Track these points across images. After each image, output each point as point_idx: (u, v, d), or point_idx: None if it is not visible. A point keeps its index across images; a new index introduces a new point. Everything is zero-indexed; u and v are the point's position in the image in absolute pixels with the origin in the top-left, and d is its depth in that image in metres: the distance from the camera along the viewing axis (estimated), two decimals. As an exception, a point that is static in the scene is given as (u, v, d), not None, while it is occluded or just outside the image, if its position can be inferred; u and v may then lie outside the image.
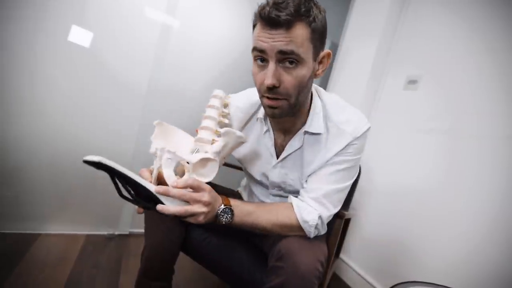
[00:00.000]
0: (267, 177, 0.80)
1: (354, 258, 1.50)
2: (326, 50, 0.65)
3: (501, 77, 1.05)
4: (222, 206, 0.61)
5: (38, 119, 1.20)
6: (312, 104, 0.72)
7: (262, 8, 0.56)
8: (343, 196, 0.72)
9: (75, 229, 1.36)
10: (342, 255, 1.54)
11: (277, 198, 0.86)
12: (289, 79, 0.59)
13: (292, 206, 0.68)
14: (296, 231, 0.68)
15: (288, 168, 0.76)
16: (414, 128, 1.31)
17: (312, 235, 0.68)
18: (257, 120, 0.78)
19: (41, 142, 1.22)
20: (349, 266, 1.49)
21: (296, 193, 0.79)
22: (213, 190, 0.60)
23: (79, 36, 1.20)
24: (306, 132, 0.72)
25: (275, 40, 0.55)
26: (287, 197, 0.82)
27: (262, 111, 0.76)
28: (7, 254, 1.10)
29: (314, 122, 0.70)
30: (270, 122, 0.77)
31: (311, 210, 0.67)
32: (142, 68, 1.33)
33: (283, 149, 0.76)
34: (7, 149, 1.17)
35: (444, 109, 1.21)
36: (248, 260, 0.77)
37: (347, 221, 1.16)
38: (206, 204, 0.57)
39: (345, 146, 0.69)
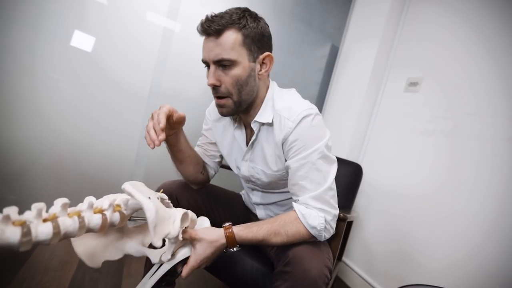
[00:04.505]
0: (240, 170, 0.86)
1: (356, 261, 1.50)
2: (267, 52, 0.72)
3: (502, 78, 1.05)
4: (230, 250, 0.66)
5: (40, 122, 1.20)
6: (266, 98, 0.77)
7: (199, 23, 0.67)
8: (333, 193, 0.71)
9: (77, 233, 1.36)
10: (344, 258, 1.53)
11: (259, 193, 0.90)
12: (227, 79, 0.68)
13: (298, 217, 0.67)
14: (308, 238, 0.68)
15: (254, 161, 0.81)
16: (416, 130, 1.31)
17: (323, 239, 0.69)
18: (230, 118, 0.84)
19: (43, 146, 1.22)
20: (352, 269, 1.49)
21: (266, 186, 0.84)
22: (209, 238, 0.63)
23: (81, 40, 1.21)
24: (260, 124, 0.76)
25: (209, 49, 0.67)
26: (262, 191, 0.88)
27: None
28: (10, 258, 1.10)
29: (264, 113, 0.75)
30: (240, 119, 0.83)
31: (315, 215, 0.67)
32: (144, 72, 1.34)
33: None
34: (10, 152, 1.17)
35: (445, 111, 1.21)
36: (251, 264, 0.77)
37: (349, 224, 1.16)
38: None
39: (287, 136, 0.70)
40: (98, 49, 1.24)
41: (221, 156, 0.94)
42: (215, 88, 0.69)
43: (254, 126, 0.76)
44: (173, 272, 0.62)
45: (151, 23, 1.31)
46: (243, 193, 1.06)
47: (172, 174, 0.90)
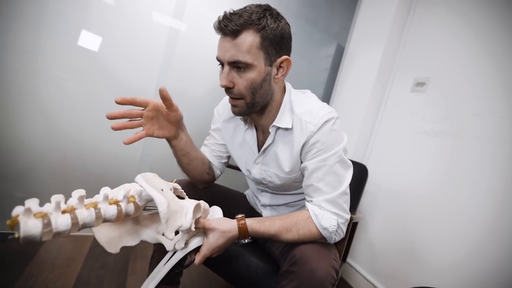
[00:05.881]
0: (250, 173, 0.85)
1: (361, 262, 1.49)
2: (285, 56, 0.68)
3: (509, 79, 1.04)
4: (242, 241, 0.66)
5: (45, 122, 1.22)
6: (283, 102, 0.75)
7: (217, 19, 0.64)
8: (347, 198, 0.71)
9: (83, 230, 1.37)
10: (348, 259, 1.52)
11: (268, 194, 0.89)
12: (241, 82, 0.66)
13: (310, 216, 0.68)
14: (318, 239, 0.68)
15: (267, 164, 0.80)
16: (422, 131, 1.30)
17: (333, 241, 0.69)
18: (240, 119, 0.83)
19: (48, 145, 1.24)
20: (356, 271, 1.48)
21: (278, 188, 0.83)
22: (221, 230, 0.63)
23: (88, 40, 1.22)
24: (276, 128, 0.75)
25: (225, 49, 0.64)
26: (272, 193, 0.87)
27: None
28: (17, 255, 1.12)
29: (283, 118, 0.74)
30: (251, 121, 0.81)
31: (328, 217, 0.67)
32: (150, 72, 1.35)
33: (263, 146, 0.80)
34: (15, 150, 1.19)
35: (452, 111, 1.20)
36: (255, 263, 0.77)
37: (354, 225, 1.15)
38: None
39: (308, 139, 0.70)
40: (104, 48, 1.25)
41: (228, 157, 0.93)
42: (228, 89, 0.68)
43: (271, 130, 0.75)
44: (185, 260, 0.63)
45: (157, 23, 1.32)
46: (247, 193, 1.06)
47: (177, 174, 0.91)
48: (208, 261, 0.82)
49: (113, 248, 0.57)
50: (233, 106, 0.71)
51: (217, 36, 1.59)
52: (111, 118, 0.59)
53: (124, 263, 1.23)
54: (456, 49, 1.24)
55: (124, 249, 1.39)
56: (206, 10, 1.38)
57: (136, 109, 0.65)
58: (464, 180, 1.10)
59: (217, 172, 0.92)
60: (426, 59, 1.36)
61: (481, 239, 1.01)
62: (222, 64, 0.67)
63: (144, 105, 0.65)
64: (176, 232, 0.61)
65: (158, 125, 0.69)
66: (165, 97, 0.66)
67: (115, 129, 0.62)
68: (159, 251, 0.76)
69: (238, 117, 0.83)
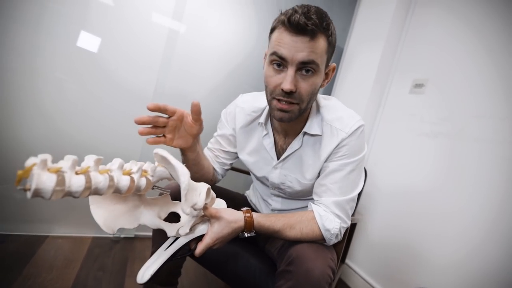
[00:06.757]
0: (267, 178, 0.84)
1: (360, 264, 1.49)
2: (334, 63, 0.70)
3: (508, 80, 1.04)
4: (245, 234, 0.65)
5: (47, 123, 1.22)
6: (312, 108, 0.75)
7: (291, 14, 0.58)
8: (353, 205, 0.73)
9: (81, 232, 1.37)
10: (347, 261, 1.52)
11: (280, 199, 0.87)
12: (305, 86, 0.62)
13: (314, 217, 0.68)
14: (319, 239, 0.68)
15: (288, 169, 0.79)
16: (421, 132, 1.30)
17: (331, 243, 0.69)
18: (258, 124, 0.81)
19: (47, 146, 1.24)
20: (355, 272, 1.48)
21: (294, 194, 0.82)
22: (227, 218, 0.61)
23: (88, 41, 1.22)
24: (305, 134, 0.75)
25: (298, 49, 0.59)
26: (287, 198, 0.86)
27: (263, 117, 0.79)
28: (16, 256, 1.12)
29: (313, 124, 0.74)
30: (272, 125, 0.80)
31: (332, 219, 0.68)
32: (149, 73, 1.35)
33: (283, 151, 0.79)
34: (17, 151, 1.19)
35: (452, 113, 1.20)
36: (254, 264, 0.77)
37: (353, 226, 1.15)
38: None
39: (338, 145, 0.70)
40: (104, 49, 1.25)
41: (231, 164, 0.91)
42: (289, 93, 0.62)
43: (300, 135, 0.75)
44: (186, 249, 0.62)
45: (156, 24, 1.32)
46: (247, 194, 1.06)
47: (176, 174, 0.90)
48: (207, 262, 0.82)
49: (110, 228, 0.54)
50: (284, 111, 0.65)
51: (216, 38, 1.59)
52: (139, 123, 0.59)
53: (122, 264, 1.23)
54: (455, 49, 1.24)
55: (123, 250, 1.39)
56: (205, 11, 1.39)
57: (163, 117, 0.64)
58: (464, 181, 1.10)
59: (218, 177, 0.90)
60: (425, 60, 1.37)
61: (481, 240, 1.01)
62: (279, 64, 0.62)
63: (171, 113, 0.63)
64: (178, 219, 0.61)
65: (178, 135, 0.67)
66: (196, 112, 0.64)
67: (143, 134, 0.61)
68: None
69: (255, 123, 0.82)
